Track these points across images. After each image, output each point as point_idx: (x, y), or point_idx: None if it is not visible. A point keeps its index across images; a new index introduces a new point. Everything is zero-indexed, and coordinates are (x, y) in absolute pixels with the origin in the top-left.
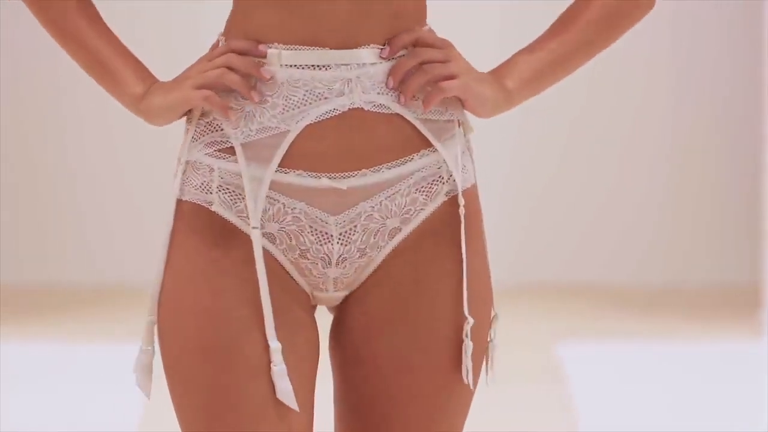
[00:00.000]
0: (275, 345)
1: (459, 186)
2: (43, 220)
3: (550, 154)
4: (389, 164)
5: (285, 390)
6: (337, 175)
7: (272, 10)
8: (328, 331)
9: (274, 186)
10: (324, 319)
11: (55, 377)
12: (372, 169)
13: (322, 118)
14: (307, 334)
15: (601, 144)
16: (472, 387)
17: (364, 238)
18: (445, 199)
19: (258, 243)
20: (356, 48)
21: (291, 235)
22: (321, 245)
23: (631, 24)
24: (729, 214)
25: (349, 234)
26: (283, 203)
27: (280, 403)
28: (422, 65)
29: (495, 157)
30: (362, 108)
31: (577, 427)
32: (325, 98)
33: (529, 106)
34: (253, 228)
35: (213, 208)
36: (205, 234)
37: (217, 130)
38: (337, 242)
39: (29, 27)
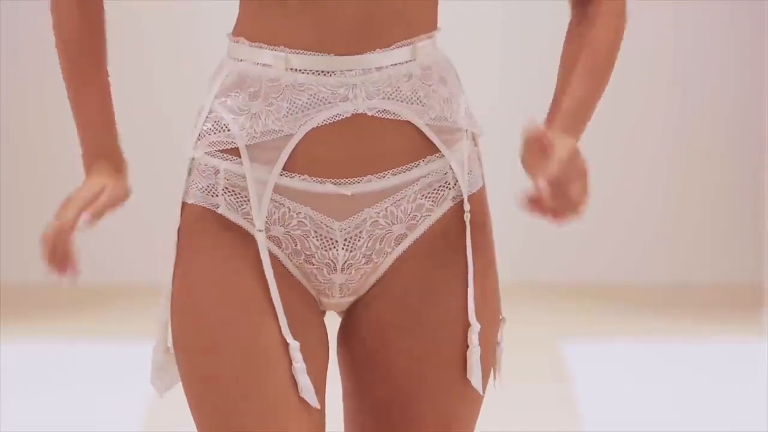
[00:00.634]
0: (294, 343)
1: (464, 191)
2: (45, 218)
3: None
4: (395, 170)
5: (306, 387)
6: (341, 180)
7: (279, 15)
8: (336, 334)
9: (279, 189)
10: (331, 321)
11: (56, 377)
12: (377, 175)
13: (325, 122)
14: (317, 334)
15: (605, 144)
16: (481, 392)
17: (369, 245)
18: (452, 204)
19: (263, 246)
20: (361, 54)
21: (296, 240)
22: (326, 251)
23: (619, 47)
24: (732, 213)
25: (355, 240)
26: (288, 207)
27: (297, 399)
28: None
29: (499, 157)
30: (366, 114)
31: (581, 427)
32: (329, 103)
33: (531, 106)
34: (258, 231)
35: (219, 211)
36: (213, 235)
37: (223, 130)
38: (342, 248)
39: (30, 26)
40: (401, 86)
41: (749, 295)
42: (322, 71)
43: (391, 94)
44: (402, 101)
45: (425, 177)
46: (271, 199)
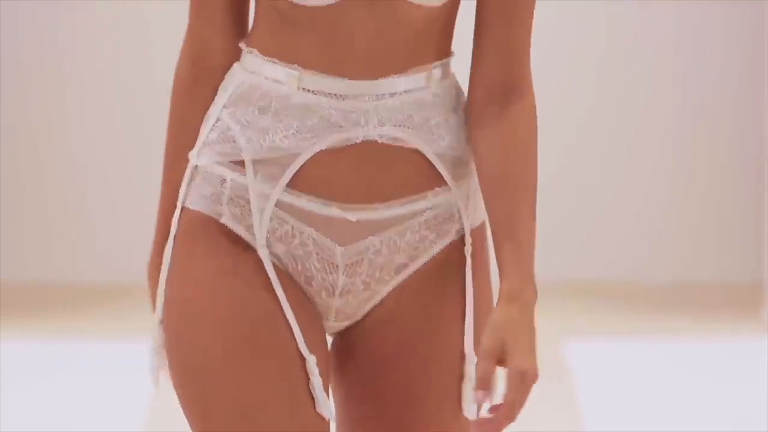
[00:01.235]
0: (311, 358)
1: (466, 226)
2: (45, 217)
3: (556, 152)
4: (402, 200)
5: (324, 401)
6: (347, 205)
7: (289, 32)
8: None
9: (284, 206)
10: None
11: (57, 376)
12: (385, 204)
13: (334, 146)
14: (321, 349)
15: (607, 143)
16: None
17: (369, 272)
18: (455, 237)
19: (267, 260)
20: (375, 79)
21: (297, 260)
22: (326, 274)
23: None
24: (734, 212)
25: (355, 266)
26: (292, 225)
27: (305, 407)
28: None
29: None
30: (377, 140)
31: (583, 425)
32: (340, 127)
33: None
34: (260, 246)
35: (222, 220)
36: (215, 243)
37: (229, 141)
38: (343, 273)
39: (31, 26)
40: (413, 114)
41: (751, 294)
42: (335, 94)
43: (402, 122)
44: (413, 129)
45: (432, 209)
46: (276, 216)
